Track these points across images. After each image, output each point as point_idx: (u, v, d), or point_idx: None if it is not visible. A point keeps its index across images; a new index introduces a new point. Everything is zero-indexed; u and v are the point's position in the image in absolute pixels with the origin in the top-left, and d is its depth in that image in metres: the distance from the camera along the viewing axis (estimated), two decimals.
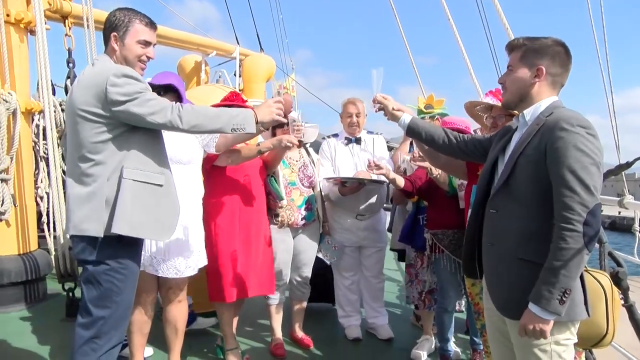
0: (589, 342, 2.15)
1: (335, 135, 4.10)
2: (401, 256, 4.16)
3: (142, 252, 2.76)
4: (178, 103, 2.32)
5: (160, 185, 2.31)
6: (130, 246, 2.28)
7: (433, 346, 3.67)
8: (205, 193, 3.23)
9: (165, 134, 2.50)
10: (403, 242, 3.70)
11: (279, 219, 3.52)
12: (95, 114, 2.18)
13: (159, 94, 2.89)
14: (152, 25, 2.38)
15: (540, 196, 1.85)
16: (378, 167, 3.34)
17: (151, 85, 2.88)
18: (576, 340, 1.91)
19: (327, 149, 4.03)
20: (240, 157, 3.17)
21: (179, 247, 2.89)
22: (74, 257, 2.37)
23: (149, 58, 2.38)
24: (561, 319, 1.79)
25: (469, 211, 2.84)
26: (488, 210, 2.03)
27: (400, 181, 3.43)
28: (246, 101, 3.30)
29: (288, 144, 3.10)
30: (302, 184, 3.66)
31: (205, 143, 3.10)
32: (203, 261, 3.05)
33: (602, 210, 1.85)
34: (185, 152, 2.98)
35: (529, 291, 1.81)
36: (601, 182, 1.81)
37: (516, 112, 2.18)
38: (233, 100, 3.21)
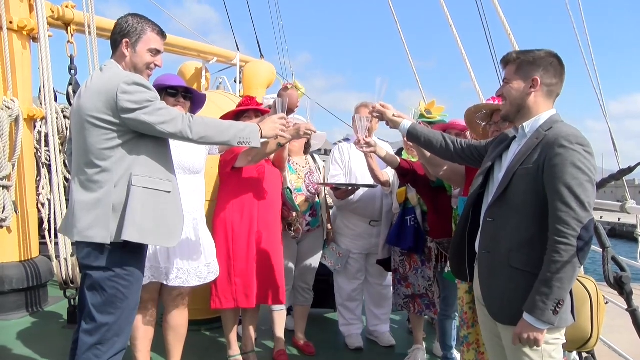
0: (575, 345, 2.26)
1: (347, 140, 4.02)
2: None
3: (150, 262, 2.75)
4: (189, 114, 2.33)
5: (168, 192, 2.32)
6: (135, 252, 2.27)
7: (425, 355, 3.64)
8: (220, 197, 3.21)
9: (180, 142, 2.50)
10: (390, 244, 3.65)
11: (293, 228, 3.53)
12: (105, 120, 2.18)
13: (175, 95, 2.90)
14: (163, 34, 2.41)
15: (536, 208, 1.92)
16: (368, 144, 3.00)
17: (161, 85, 2.90)
18: (564, 341, 1.98)
19: (338, 155, 3.94)
20: (260, 154, 3.11)
21: (190, 255, 2.89)
22: (80, 262, 2.35)
23: (156, 66, 2.40)
24: (552, 327, 1.86)
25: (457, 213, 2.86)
26: (485, 218, 2.09)
27: (395, 159, 3.28)
28: (261, 104, 3.30)
29: (307, 131, 3.01)
30: (308, 190, 3.67)
31: (210, 147, 3.13)
32: (216, 271, 3.03)
33: (602, 217, 1.88)
34: (198, 161, 2.99)
35: (521, 299, 1.88)
36: (594, 199, 1.88)
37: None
38: (248, 105, 3.23)
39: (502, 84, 2.16)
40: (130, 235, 2.15)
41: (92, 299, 2.23)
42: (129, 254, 2.24)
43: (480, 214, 2.18)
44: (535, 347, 1.88)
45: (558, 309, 1.80)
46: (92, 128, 2.19)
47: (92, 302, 2.23)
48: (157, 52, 2.38)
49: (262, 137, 2.50)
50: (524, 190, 1.94)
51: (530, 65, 2.04)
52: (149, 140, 2.28)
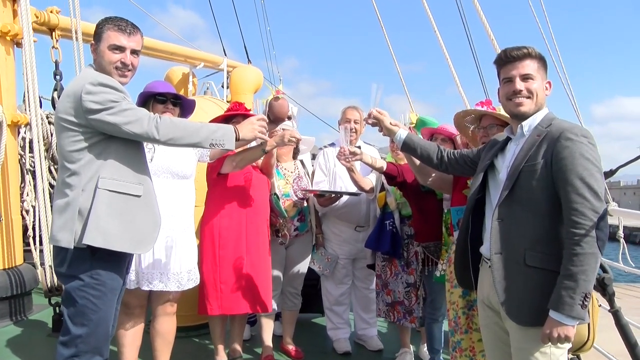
0: (572, 348, 2.21)
1: (332, 145, 3.96)
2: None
3: (135, 267, 2.73)
4: (157, 114, 2.27)
5: (138, 196, 2.23)
6: (107, 260, 2.18)
7: (413, 358, 3.66)
8: (208, 203, 3.20)
9: (170, 148, 2.47)
10: (369, 247, 3.66)
11: (280, 234, 3.54)
12: (72, 122, 2.15)
13: (164, 102, 2.86)
14: (124, 30, 2.26)
15: (547, 204, 1.91)
16: (353, 153, 2.98)
17: (149, 92, 2.87)
18: (571, 345, 1.96)
19: (323, 161, 3.90)
20: (245, 160, 3.09)
21: (174, 260, 2.87)
22: (54, 269, 2.33)
23: (124, 64, 2.26)
24: (583, 322, 1.84)
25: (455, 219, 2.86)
26: (493, 220, 2.04)
27: (382, 164, 3.22)
28: (249, 110, 3.30)
29: (292, 138, 3.00)
30: (296, 196, 3.67)
31: (201, 153, 3.09)
32: (196, 279, 3.02)
33: None
34: (187, 167, 2.97)
35: (542, 298, 1.86)
36: (604, 188, 1.89)
37: (508, 122, 2.25)
38: (237, 110, 3.22)
39: (517, 78, 2.03)
40: (92, 239, 2.09)
41: (66, 309, 2.19)
42: (99, 261, 2.16)
43: (481, 219, 2.16)
44: (565, 344, 1.85)
45: (586, 303, 1.78)
46: (62, 130, 2.18)
47: (67, 312, 2.19)
48: (119, 48, 2.24)
49: (238, 139, 2.41)
50: (532, 187, 1.93)
51: (546, 67, 2.06)
52: (119, 143, 2.22)
